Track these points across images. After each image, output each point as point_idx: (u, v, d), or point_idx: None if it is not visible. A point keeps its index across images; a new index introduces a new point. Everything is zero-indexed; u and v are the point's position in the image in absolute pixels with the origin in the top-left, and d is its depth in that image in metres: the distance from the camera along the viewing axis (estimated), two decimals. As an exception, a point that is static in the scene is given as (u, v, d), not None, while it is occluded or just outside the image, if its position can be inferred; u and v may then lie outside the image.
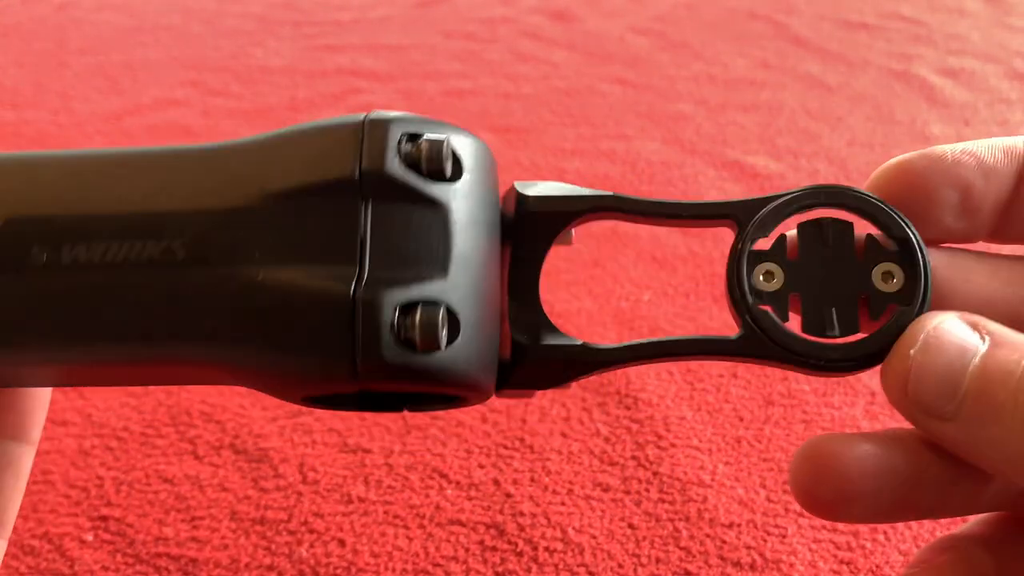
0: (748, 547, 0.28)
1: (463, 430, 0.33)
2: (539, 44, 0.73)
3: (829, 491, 0.17)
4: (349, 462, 0.32)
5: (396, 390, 0.16)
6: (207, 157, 0.17)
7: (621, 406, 0.34)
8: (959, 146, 0.17)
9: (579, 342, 0.18)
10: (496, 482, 0.31)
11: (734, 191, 0.50)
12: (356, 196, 0.16)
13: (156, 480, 0.31)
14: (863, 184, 0.18)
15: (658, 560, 0.28)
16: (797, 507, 0.30)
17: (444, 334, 0.15)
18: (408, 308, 0.15)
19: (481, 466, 0.32)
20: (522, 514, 0.30)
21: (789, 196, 0.18)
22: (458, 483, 0.31)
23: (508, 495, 0.31)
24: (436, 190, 0.16)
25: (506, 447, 0.32)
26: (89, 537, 0.29)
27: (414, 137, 0.16)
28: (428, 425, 0.33)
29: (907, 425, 0.17)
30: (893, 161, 0.18)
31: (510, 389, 0.18)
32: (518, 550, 0.29)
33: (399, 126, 0.16)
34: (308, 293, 0.15)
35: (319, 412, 0.34)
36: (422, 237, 0.16)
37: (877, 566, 0.28)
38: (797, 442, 0.32)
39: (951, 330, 0.16)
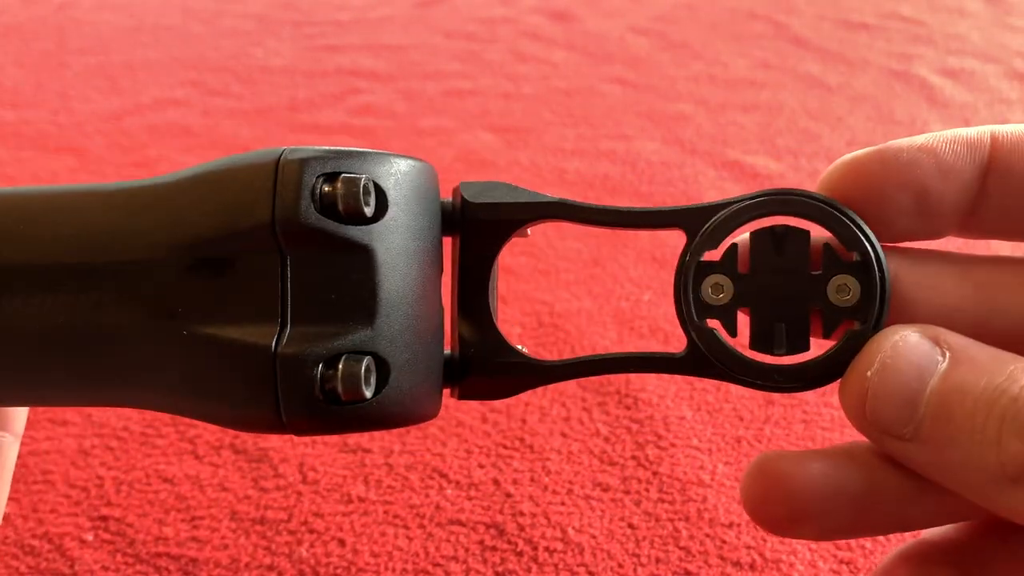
0: (748, 547, 0.28)
1: (463, 430, 0.33)
2: (539, 44, 0.73)
3: (779, 510, 0.17)
4: (349, 462, 0.32)
5: (329, 435, 0.16)
6: (128, 200, 0.16)
7: (621, 406, 0.34)
8: (919, 140, 0.16)
9: (525, 358, 0.18)
10: (496, 482, 0.31)
11: (734, 191, 0.50)
12: (273, 246, 0.15)
13: (156, 480, 0.31)
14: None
15: (658, 560, 0.28)
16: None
17: (372, 382, 0.15)
18: (333, 361, 0.15)
19: (481, 466, 0.32)
20: (522, 514, 0.30)
21: (738, 205, 0.17)
22: (458, 483, 0.31)
23: (508, 495, 0.31)
24: (356, 233, 0.15)
25: (506, 447, 0.32)
26: (89, 537, 0.29)
27: (332, 177, 0.15)
28: (428, 425, 0.33)
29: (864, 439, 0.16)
30: (844, 159, 0.17)
31: (461, 395, 0.18)
32: (518, 550, 0.29)
33: (314, 167, 0.15)
34: (231, 351, 0.15)
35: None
36: (345, 285, 0.15)
37: (877, 566, 0.28)
38: (797, 442, 0.32)
39: (909, 349, 0.15)
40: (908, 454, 0.15)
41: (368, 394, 0.15)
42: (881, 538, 0.28)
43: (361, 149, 0.16)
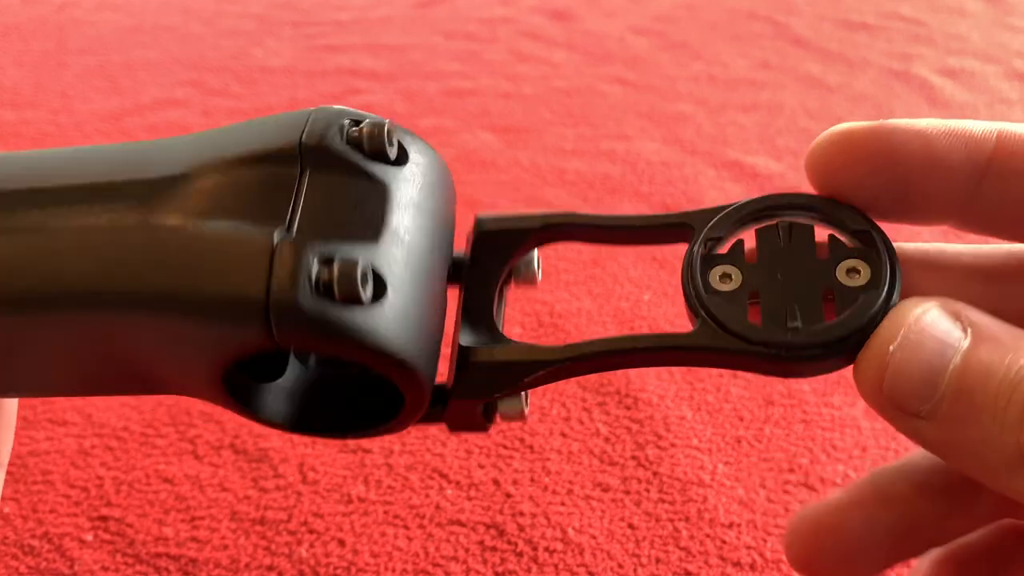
0: (748, 547, 0.28)
1: (463, 430, 0.33)
2: (539, 44, 0.73)
3: (827, 564, 0.17)
4: (349, 462, 0.32)
5: (314, 348, 0.16)
6: (155, 143, 0.17)
7: (621, 406, 0.34)
8: (919, 124, 0.16)
9: (526, 344, 0.17)
10: (496, 482, 0.31)
11: (734, 191, 0.50)
12: (294, 166, 0.16)
13: (156, 480, 0.31)
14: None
15: (658, 560, 0.28)
16: (797, 507, 0.30)
17: (368, 290, 0.15)
18: (330, 262, 0.15)
19: (481, 466, 0.32)
20: (522, 514, 0.30)
21: (741, 203, 0.17)
22: (458, 483, 0.31)
23: (508, 495, 0.31)
24: (376, 168, 0.16)
25: (506, 447, 0.32)
26: (89, 537, 0.29)
27: (358, 122, 0.16)
28: (428, 425, 0.33)
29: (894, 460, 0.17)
30: (838, 128, 0.17)
31: (459, 401, 0.17)
32: (518, 550, 0.29)
33: (344, 112, 0.16)
34: (230, 240, 0.15)
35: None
36: (357, 207, 0.16)
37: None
38: (797, 442, 0.32)
39: (932, 323, 0.15)
40: (923, 432, 0.15)
41: (364, 298, 0.15)
42: (881, 538, 0.28)
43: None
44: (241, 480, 0.31)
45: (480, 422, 0.18)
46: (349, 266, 0.14)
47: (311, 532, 0.29)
